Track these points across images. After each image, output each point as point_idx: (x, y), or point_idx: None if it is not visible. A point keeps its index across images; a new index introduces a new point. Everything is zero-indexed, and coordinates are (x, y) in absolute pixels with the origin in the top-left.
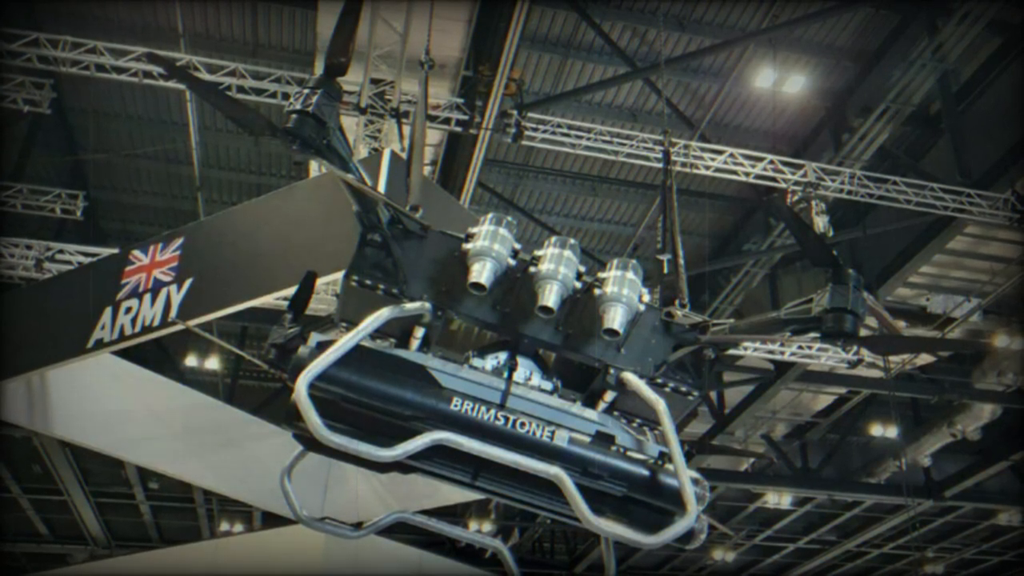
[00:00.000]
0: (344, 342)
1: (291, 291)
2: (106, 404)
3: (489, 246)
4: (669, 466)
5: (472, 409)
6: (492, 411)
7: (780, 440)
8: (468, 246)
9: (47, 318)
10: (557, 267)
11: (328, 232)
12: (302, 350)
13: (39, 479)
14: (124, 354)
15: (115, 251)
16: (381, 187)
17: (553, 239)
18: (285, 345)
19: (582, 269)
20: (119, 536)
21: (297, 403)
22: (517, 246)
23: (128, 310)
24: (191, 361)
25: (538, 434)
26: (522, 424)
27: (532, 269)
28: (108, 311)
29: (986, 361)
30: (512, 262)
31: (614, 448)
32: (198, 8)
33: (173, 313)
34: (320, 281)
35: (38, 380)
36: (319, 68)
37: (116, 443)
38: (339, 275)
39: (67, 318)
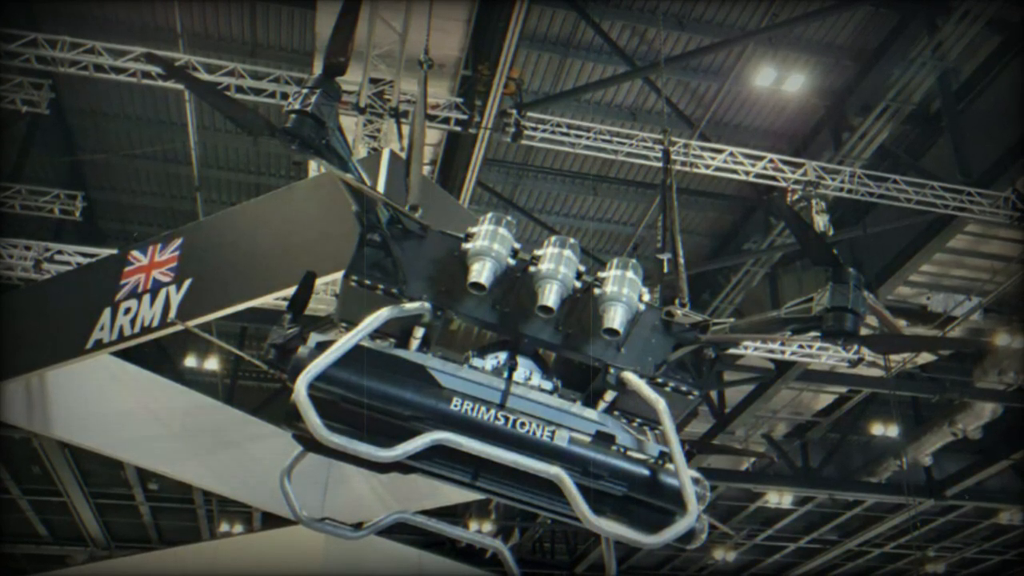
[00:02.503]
0: (343, 342)
1: (290, 291)
2: (105, 405)
3: (488, 246)
4: (670, 466)
5: (472, 409)
6: (492, 411)
7: (781, 439)
8: (468, 246)
9: (46, 319)
10: (557, 266)
11: (327, 232)
12: (301, 350)
13: (38, 480)
14: (123, 355)
15: (114, 252)
16: (380, 187)
17: (553, 238)
18: (284, 345)
19: (582, 268)
20: (118, 537)
21: (296, 403)
22: (517, 246)
23: (127, 311)
24: (190, 362)
25: (538, 434)
26: (522, 424)
27: (532, 269)
28: (107, 312)
29: (987, 360)
30: (512, 262)
31: (614, 448)
32: (196, 8)
33: (172, 314)
34: (320, 281)
35: (37, 381)
36: (318, 68)
37: (115, 444)
38: (338, 275)
39: (66, 319)
